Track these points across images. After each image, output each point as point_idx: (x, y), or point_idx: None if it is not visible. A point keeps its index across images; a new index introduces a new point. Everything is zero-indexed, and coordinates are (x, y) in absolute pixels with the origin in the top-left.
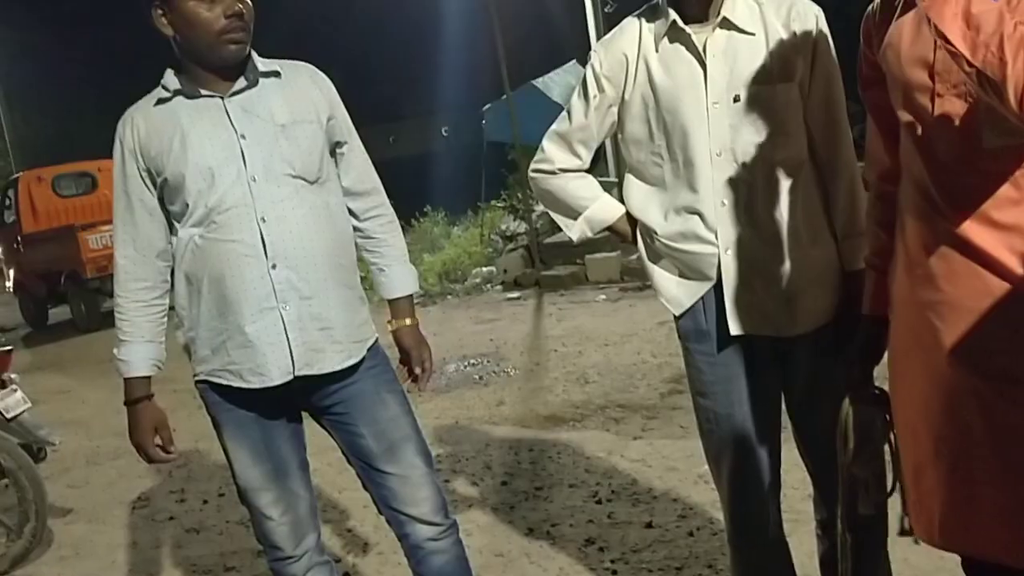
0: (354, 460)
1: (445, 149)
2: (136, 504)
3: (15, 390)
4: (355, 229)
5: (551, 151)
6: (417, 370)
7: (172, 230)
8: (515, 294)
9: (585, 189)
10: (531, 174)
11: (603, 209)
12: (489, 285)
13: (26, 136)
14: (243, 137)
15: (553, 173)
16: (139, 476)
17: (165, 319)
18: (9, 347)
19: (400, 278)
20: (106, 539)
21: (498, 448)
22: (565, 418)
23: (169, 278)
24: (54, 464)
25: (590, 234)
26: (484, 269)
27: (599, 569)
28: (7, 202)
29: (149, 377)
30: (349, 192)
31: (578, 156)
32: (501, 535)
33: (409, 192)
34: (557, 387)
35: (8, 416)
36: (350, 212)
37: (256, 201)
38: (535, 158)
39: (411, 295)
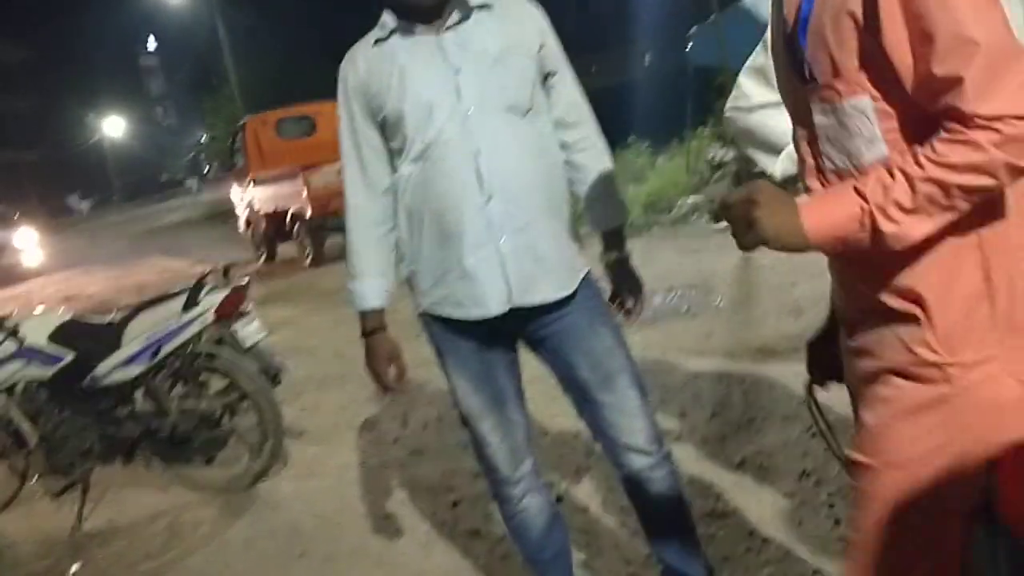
0: (569, 390)
1: (648, 77)
2: (362, 427)
3: (253, 320)
4: (565, 161)
5: (747, 87)
6: (628, 303)
7: (394, 166)
8: (723, 224)
9: (787, 122)
10: (727, 114)
11: None
12: (696, 215)
13: (250, 82)
14: (457, 71)
15: (751, 110)
16: (364, 401)
17: (393, 253)
18: (246, 281)
19: (610, 210)
20: (336, 459)
21: (707, 380)
22: (777, 350)
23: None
24: (287, 389)
25: (794, 170)
26: (691, 199)
27: (815, 503)
28: (236, 145)
29: (383, 309)
30: (559, 123)
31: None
32: (711, 466)
33: (612, 122)
34: (768, 319)
35: (247, 344)
36: (560, 143)
37: (471, 134)
38: (731, 96)
39: (622, 226)
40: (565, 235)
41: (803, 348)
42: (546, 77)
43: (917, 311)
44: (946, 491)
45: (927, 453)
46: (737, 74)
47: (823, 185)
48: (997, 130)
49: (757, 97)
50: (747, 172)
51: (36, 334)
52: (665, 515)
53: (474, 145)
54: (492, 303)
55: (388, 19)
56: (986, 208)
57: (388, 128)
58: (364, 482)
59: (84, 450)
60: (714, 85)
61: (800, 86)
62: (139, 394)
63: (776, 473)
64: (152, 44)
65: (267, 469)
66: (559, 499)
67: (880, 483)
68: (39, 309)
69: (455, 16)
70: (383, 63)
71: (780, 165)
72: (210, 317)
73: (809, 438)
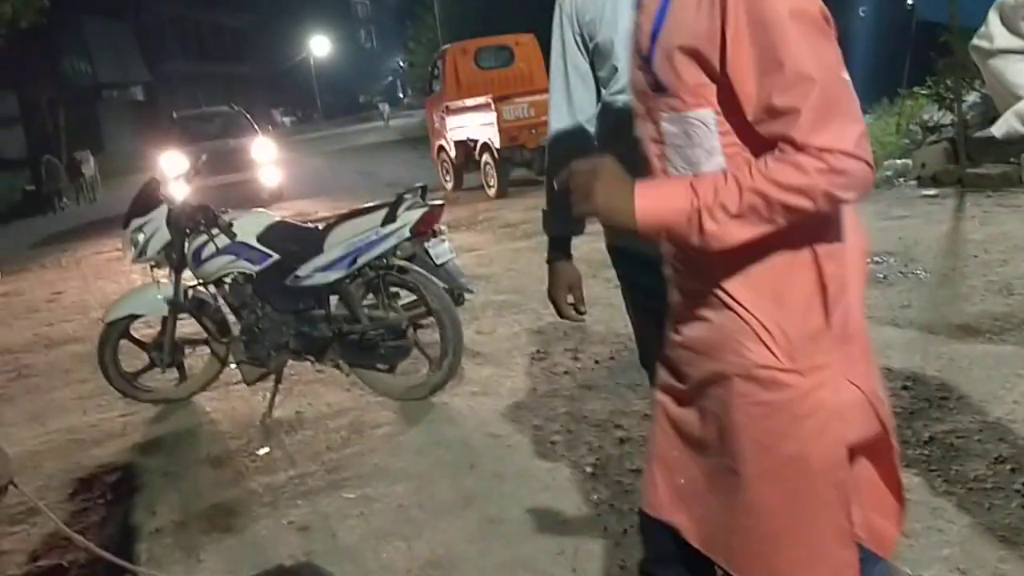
0: None
1: (862, 31)
2: (535, 356)
3: (444, 240)
4: None
5: (993, 25)
6: None
7: (599, 95)
8: (932, 191)
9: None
10: (970, 48)
11: None
12: (902, 179)
13: (452, 12)
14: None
15: (991, 53)
16: (537, 331)
17: None
18: (442, 202)
19: None
20: (509, 383)
21: (900, 351)
22: (981, 330)
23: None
24: (466, 311)
25: (1020, 129)
26: (898, 162)
27: (1008, 489)
28: (435, 72)
29: (570, 238)
30: None
31: (1022, 35)
32: (898, 438)
33: None
34: (974, 296)
35: (437, 263)
36: None
37: None
38: (978, 31)
39: None
40: None
41: (1011, 330)
42: None
43: (752, 318)
44: (802, 493)
45: (780, 462)
46: (963, 33)
47: None
48: (824, 160)
49: (999, 40)
50: (965, 139)
51: (247, 232)
52: None
53: None
54: None
55: None
56: (822, 223)
57: (598, 56)
58: (534, 408)
59: (280, 344)
60: (938, 43)
61: (650, 92)
62: (334, 299)
63: (967, 455)
64: None
65: (444, 382)
66: None
67: (741, 489)
68: (252, 210)
69: None
70: None
71: (1002, 124)
72: (406, 233)
73: (1008, 423)
